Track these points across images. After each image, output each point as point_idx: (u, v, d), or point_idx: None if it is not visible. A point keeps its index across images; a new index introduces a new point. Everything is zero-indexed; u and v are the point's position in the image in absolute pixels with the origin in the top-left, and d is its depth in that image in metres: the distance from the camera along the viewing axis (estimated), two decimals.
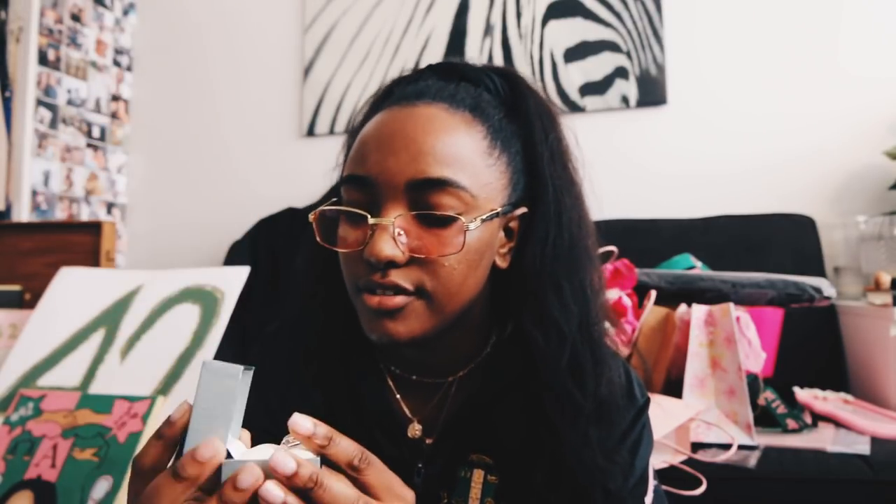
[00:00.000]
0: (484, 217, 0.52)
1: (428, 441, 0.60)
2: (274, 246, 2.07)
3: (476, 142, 0.54)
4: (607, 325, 0.60)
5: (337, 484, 0.38)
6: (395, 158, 0.51)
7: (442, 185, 0.51)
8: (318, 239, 0.56)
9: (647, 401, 0.61)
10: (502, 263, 0.58)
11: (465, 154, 0.52)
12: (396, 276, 0.51)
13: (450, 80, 0.58)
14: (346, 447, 0.40)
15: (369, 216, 0.52)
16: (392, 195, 0.52)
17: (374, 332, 0.53)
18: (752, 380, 1.25)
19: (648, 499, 0.59)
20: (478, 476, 0.58)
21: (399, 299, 0.52)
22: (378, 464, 0.41)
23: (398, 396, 0.62)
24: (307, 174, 2.22)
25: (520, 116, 0.58)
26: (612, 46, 2.08)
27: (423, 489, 0.57)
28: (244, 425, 0.42)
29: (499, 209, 0.54)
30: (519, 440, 0.56)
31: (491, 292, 0.59)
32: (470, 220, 0.51)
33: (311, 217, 0.55)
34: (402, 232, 0.51)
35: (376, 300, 0.52)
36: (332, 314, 0.62)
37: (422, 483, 0.58)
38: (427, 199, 0.51)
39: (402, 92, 0.57)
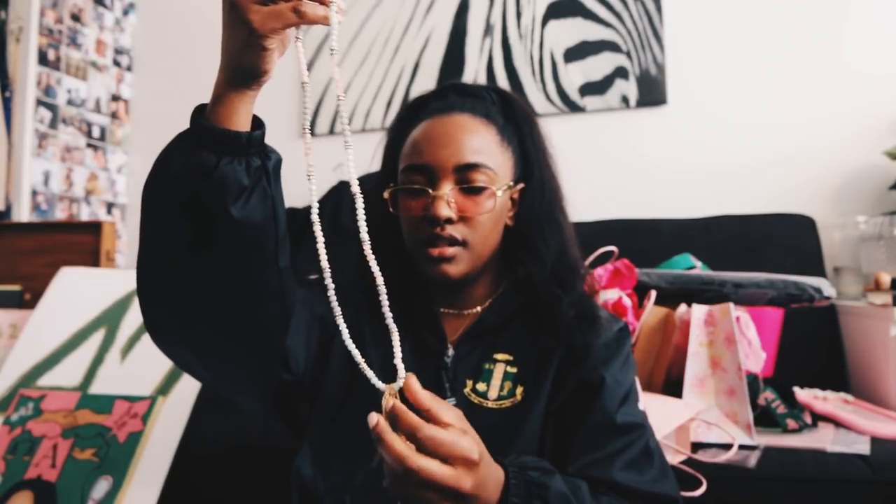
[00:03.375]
0: (503, 188, 0.77)
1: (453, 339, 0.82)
2: None
3: (492, 136, 0.78)
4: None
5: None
6: (444, 151, 0.75)
7: (477, 166, 0.75)
8: (390, 209, 0.78)
9: (626, 324, 0.84)
10: (510, 223, 0.82)
11: (487, 146, 0.76)
12: (451, 230, 0.74)
13: (465, 96, 0.81)
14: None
15: (430, 190, 0.74)
16: (444, 176, 0.74)
17: (436, 273, 0.75)
18: (752, 380, 1.25)
19: (641, 404, 0.78)
20: (500, 368, 0.78)
21: (452, 250, 0.74)
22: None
23: (439, 317, 0.83)
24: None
25: (513, 121, 0.81)
26: (612, 46, 2.08)
27: (452, 376, 0.77)
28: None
29: (511, 183, 0.79)
30: (529, 344, 0.78)
31: (502, 247, 0.82)
32: (496, 188, 0.75)
33: (385, 195, 0.79)
34: (452, 200, 0.74)
35: (437, 251, 0.74)
36: (389, 267, 0.79)
37: (452, 369, 0.78)
38: (467, 176, 0.75)
39: (436, 106, 0.80)
